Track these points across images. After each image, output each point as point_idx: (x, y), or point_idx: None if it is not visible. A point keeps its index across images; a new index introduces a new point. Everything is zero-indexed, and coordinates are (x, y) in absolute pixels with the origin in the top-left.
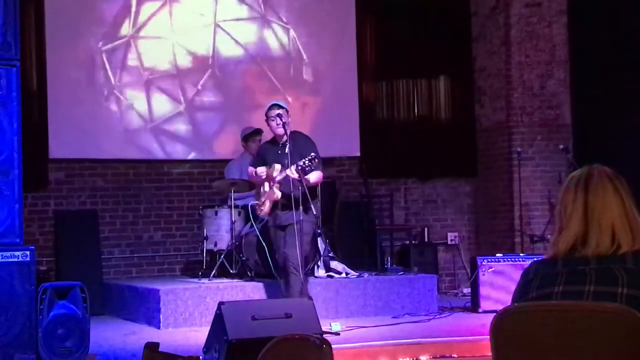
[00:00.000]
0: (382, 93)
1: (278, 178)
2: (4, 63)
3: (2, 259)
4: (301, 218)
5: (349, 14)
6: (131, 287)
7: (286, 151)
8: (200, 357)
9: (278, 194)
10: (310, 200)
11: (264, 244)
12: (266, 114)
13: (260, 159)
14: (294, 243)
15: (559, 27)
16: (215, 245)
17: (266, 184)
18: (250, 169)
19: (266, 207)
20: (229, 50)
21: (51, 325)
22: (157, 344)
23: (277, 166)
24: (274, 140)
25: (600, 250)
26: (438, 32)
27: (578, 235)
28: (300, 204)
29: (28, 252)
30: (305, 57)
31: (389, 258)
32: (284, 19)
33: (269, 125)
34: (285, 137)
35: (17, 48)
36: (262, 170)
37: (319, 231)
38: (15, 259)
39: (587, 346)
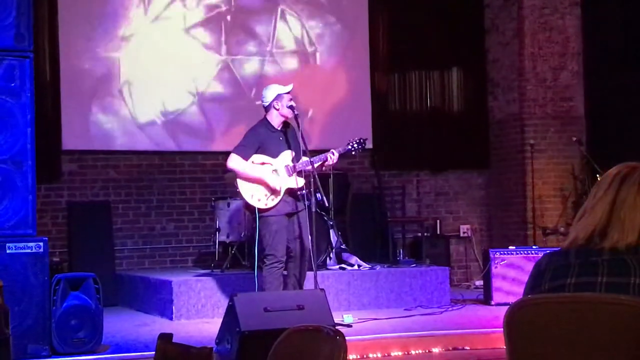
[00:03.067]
0: (395, 85)
1: (316, 164)
2: (18, 54)
3: (15, 250)
4: (313, 208)
5: (362, 5)
6: (144, 279)
7: (288, 138)
8: (213, 349)
9: (301, 181)
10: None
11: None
12: (283, 95)
13: (258, 144)
14: (307, 232)
15: (572, 18)
16: (228, 236)
17: (282, 172)
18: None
19: (280, 197)
20: (242, 41)
21: (64, 316)
22: (170, 335)
23: (292, 152)
24: (271, 126)
25: (618, 245)
26: (451, 23)
27: (598, 226)
28: (313, 192)
29: (41, 243)
30: (317, 48)
31: (401, 250)
32: (297, 10)
33: (282, 106)
34: (284, 124)
35: (31, 39)
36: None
37: (331, 223)
38: (29, 250)
39: (600, 338)
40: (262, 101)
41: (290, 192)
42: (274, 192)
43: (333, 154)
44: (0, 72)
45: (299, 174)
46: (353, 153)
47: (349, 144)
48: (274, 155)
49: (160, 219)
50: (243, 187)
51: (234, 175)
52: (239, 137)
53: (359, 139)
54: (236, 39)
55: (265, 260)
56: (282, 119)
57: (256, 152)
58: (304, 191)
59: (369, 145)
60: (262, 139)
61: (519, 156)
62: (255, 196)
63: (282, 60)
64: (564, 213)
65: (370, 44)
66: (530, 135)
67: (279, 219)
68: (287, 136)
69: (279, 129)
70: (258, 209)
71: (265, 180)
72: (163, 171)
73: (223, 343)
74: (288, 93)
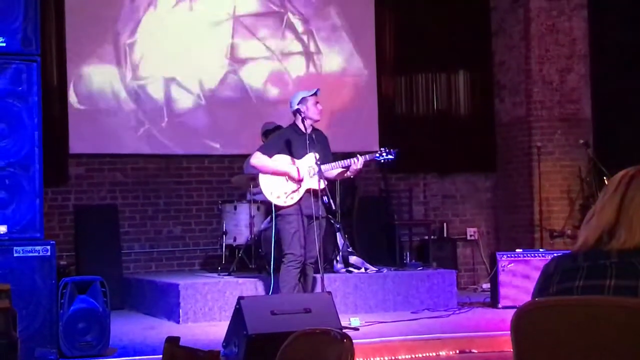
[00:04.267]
0: (401, 88)
1: (333, 168)
2: (25, 58)
3: (23, 253)
4: (323, 213)
5: (368, 8)
6: (151, 282)
7: (308, 141)
8: (220, 352)
9: (323, 183)
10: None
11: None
12: (307, 98)
13: (283, 146)
14: (315, 240)
15: (579, 21)
16: (234, 240)
17: (306, 173)
18: (285, 158)
19: (299, 196)
20: (248, 44)
21: (72, 319)
22: (177, 338)
23: (316, 155)
24: (298, 129)
25: (626, 246)
26: (457, 26)
27: (607, 225)
28: (320, 195)
29: (49, 247)
30: (324, 51)
31: (407, 253)
32: (303, 14)
33: (307, 109)
34: (311, 127)
35: (38, 43)
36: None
37: (337, 226)
38: (36, 254)
39: (608, 341)
40: (290, 108)
41: (310, 193)
42: (294, 190)
43: (357, 159)
44: (8, 76)
45: (321, 176)
46: (382, 162)
47: (377, 152)
48: (299, 157)
49: (167, 222)
50: (264, 183)
51: (255, 173)
52: (246, 140)
53: (389, 150)
54: (243, 43)
55: (283, 259)
56: (310, 122)
57: (280, 153)
58: (325, 196)
59: (375, 147)
60: (288, 140)
61: (526, 159)
62: (275, 193)
63: (289, 63)
64: (571, 215)
65: (376, 47)
66: (537, 137)
67: (298, 219)
68: (314, 140)
69: (306, 132)
70: (277, 206)
71: (288, 170)
72: (170, 174)
73: (230, 346)
74: (313, 96)
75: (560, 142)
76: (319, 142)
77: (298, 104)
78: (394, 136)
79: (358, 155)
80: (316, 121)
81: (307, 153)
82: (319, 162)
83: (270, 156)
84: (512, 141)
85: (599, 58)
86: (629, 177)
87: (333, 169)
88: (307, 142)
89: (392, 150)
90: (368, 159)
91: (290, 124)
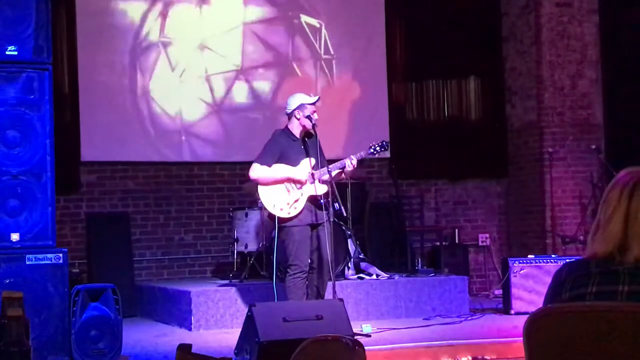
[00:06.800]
0: (412, 94)
1: (334, 172)
2: (37, 67)
3: (35, 261)
4: (331, 218)
5: (379, 14)
6: (162, 289)
7: (308, 146)
8: (232, 359)
9: (323, 188)
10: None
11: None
12: (306, 106)
13: (279, 153)
14: (326, 244)
15: (590, 26)
16: (246, 247)
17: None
18: (285, 167)
19: (302, 205)
20: (259, 51)
21: (84, 327)
22: (189, 346)
23: (312, 160)
24: (292, 135)
25: None
26: (468, 32)
27: (617, 240)
28: (331, 201)
29: (61, 255)
30: (335, 58)
31: (419, 259)
32: (314, 20)
33: (303, 116)
34: (305, 133)
35: (49, 52)
36: (304, 167)
37: (349, 233)
38: (48, 262)
39: (621, 347)
40: (286, 108)
41: (311, 200)
42: (296, 200)
43: (352, 159)
44: (20, 85)
45: (320, 181)
46: (376, 155)
47: (370, 147)
48: (294, 163)
49: (179, 230)
50: (265, 196)
51: (255, 185)
52: (256, 147)
53: (381, 142)
54: (253, 49)
55: (288, 270)
56: (302, 128)
57: (278, 162)
58: (322, 200)
59: (386, 154)
60: (283, 147)
61: (538, 164)
62: (277, 205)
63: (300, 70)
64: (583, 221)
65: (387, 53)
66: (548, 143)
67: (302, 229)
68: (308, 145)
69: (299, 137)
70: (280, 218)
71: (292, 176)
72: (181, 182)
73: (242, 353)
74: (312, 105)
75: (572, 148)
76: (312, 146)
77: (295, 109)
78: (405, 142)
79: (352, 155)
80: (307, 130)
81: (302, 159)
82: (329, 168)
83: (269, 166)
84: (524, 147)
85: (610, 63)
86: (630, 188)
87: (332, 171)
88: (302, 147)
89: (383, 141)
90: (363, 155)
91: (282, 128)
